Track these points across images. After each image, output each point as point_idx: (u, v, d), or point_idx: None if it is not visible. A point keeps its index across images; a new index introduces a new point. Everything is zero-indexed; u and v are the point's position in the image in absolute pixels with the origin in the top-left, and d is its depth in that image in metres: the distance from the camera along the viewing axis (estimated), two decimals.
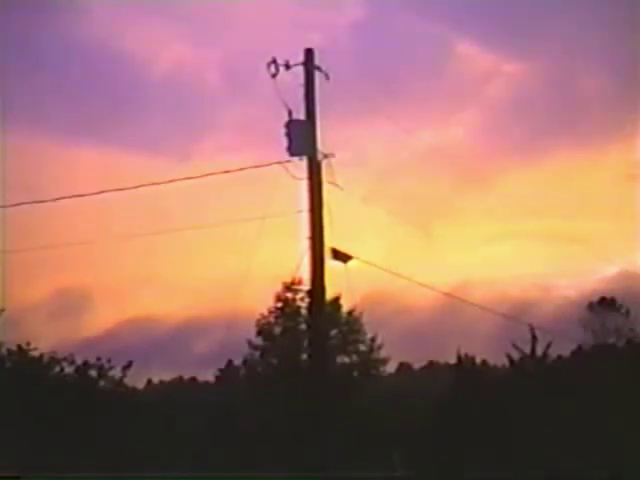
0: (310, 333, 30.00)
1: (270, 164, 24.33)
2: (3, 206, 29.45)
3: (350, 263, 24.37)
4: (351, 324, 43.53)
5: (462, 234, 54.95)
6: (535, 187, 65.44)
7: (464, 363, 40.97)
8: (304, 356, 38.27)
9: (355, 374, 43.37)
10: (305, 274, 25.02)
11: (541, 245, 65.14)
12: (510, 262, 60.63)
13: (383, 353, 44.30)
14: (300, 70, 24.50)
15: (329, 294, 25.90)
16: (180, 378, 54.24)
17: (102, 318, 66.75)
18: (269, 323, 43.85)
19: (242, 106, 70.79)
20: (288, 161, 24.16)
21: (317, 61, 24.60)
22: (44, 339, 46.15)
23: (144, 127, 77.48)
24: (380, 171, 56.41)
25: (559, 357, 41.39)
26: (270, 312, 43.77)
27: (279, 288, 43.16)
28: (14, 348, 41.03)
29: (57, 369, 41.26)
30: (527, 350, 39.69)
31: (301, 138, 23.95)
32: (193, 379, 53.69)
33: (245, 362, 44.68)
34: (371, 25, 73.63)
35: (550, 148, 76.38)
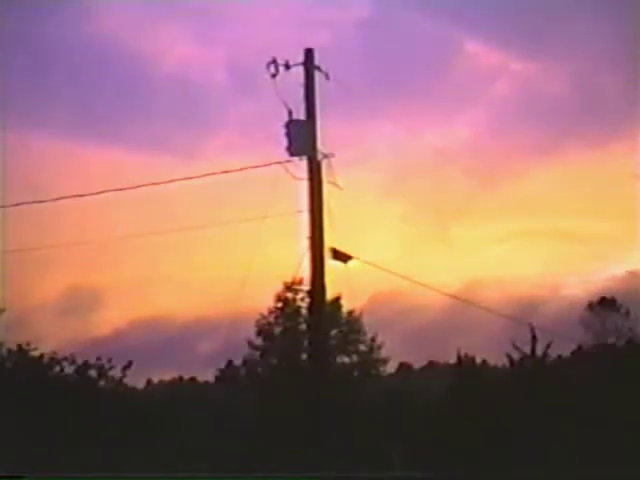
0: (310, 333, 30.03)
1: (270, 164, 24.40)
2: (3, 206, 29.58)
3: (351, 263, 24.43)
4: (351, 324, 43.54)
5: (469, 234, 54.89)
6: (543, 187, 65.39)
7: (464, 363, 40.94)
8: (304, 356, 38.28)
9: (355, 374, 43.39)
10: (305, 274, 25.11)
11: (548, 245, 65.12)
12: (516, 262, 60.59)
13: (383, 353, 44.40)
14: (302, 69, 24.57)
15: (329, 294, 25.96)
16: (180, 378, 54.24)
17: (105, 318, 66.69)
18: (269, 323, 43.86)
19: (244, 106, 70.71)
20: (288, 161, 24.23)
21: (322, 61, 24.71)
22: (51, 339, 46.33)
23: (147, 126, 77.47)
24: (384, 171, 56.45)
25: (559, 357, 41.38)
26: (270, 312, 43.79)
27: (279, 288, 43.23)
28: (14, 348, 41.07)
29: (57, 369, 41.26)
30: (527, 350, 39.65)
31: (301, 138, 24.00)
32: (193, 379, 53.68)
33: (245, 362, 44.69)
34: (377, 24, 73.43)
35: (558, 148, 76.38)
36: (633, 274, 50.45)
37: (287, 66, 24.47)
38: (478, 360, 42.37)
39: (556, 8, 66.86)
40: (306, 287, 30.17)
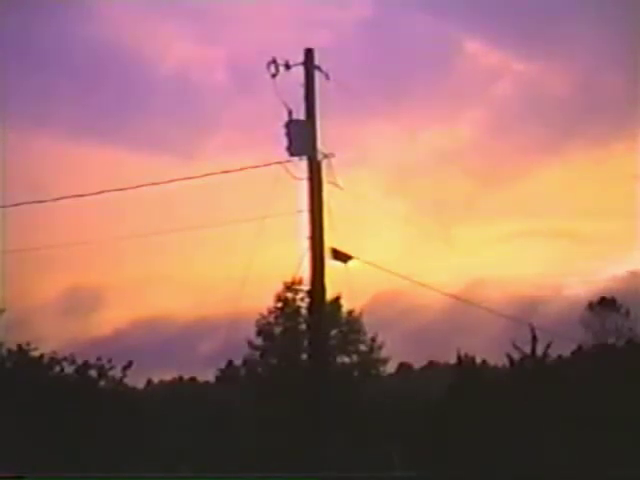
0: (310, 333, 30.03)
1: (270, 164, 24.38)
2: (3, 206, 29.58)
3: (351, 263, 24.43)
4: (351, 324, 43.54)
5: (469, 234, 54.92)
6: (543, 187, 65.46)
7: (464, 363, 40.92)
8: (304, 356, 38.27)
9: (355, 374, 43.38)
10: (305, 274, 25.11)
11: (549, 245, 65.14)
12: (516, 262, 60.67)
13: (383, 353, 44.39)
14: (302, 69, 24.57)
15: (329, 294, 25.96)
16: (180, 378, 54.28)
17: (105, 318, 66.71)
18: (269, 323, 43.86)
19: (244, 106, 70.73)
20: (288, 161, 24.22)
21: (322, 61, 24.68)
22: (51, 339, 46.28)
23: (147, 126, 77.45)
24: (384, 171, 56.35)
25: (559, 357, 41.38)
26: (270, 312, 43.78)
27: (279, 288, 43.23)
28: (14, 348, 41.07)
29: (57, 369, 41.26)
30: (527, 350, 39.64)
31: (301, 138, 23.99)
32: (193, 379, 53.72)
33: (245, 362, 44.69)
34: (377, 24, 73.40)
35: (559, 148, 76.39)
36: (633, 274, 50.54)
37: (287, 66, 24.46)
38: (478, 360, 42.38)
39: (556, 8, 66.89)
40: (306, 287, 30.15)
